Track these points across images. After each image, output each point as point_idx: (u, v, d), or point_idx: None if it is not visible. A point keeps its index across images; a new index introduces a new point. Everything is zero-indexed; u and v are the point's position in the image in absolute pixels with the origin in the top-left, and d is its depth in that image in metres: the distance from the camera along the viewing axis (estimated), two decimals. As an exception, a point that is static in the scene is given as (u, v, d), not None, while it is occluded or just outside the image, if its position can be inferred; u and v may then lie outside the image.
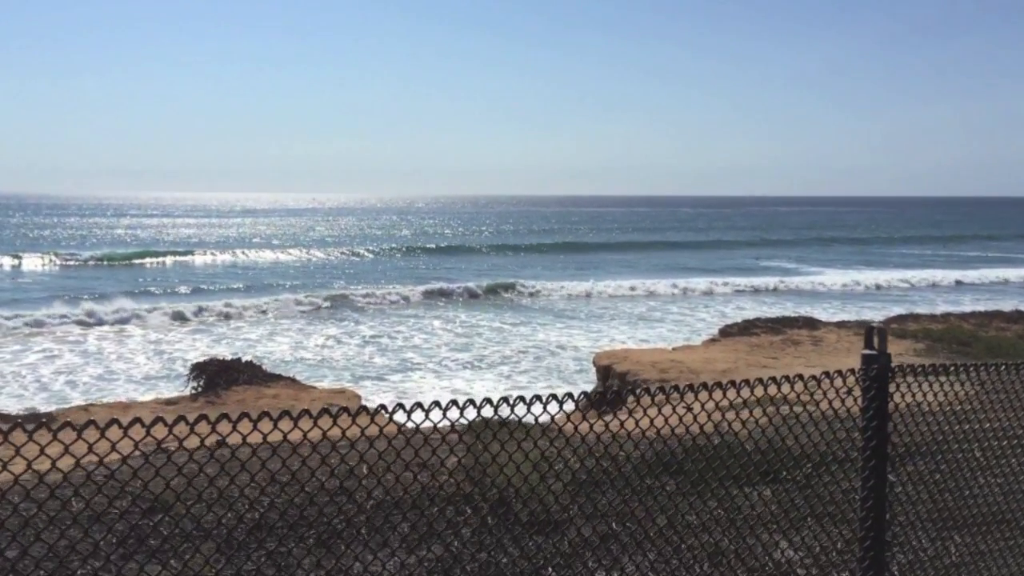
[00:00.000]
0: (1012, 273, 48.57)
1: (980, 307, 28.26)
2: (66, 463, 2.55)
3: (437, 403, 2.32)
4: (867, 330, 3.38)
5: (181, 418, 1.93)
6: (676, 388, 2.82)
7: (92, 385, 19.86)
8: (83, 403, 12.08)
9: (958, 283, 44.16)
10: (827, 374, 3.25)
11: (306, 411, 2.00)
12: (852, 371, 3.31)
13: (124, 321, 28.25)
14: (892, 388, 3.39)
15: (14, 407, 17.04)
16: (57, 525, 3.31)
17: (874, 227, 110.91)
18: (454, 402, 2.37)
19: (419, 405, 2.27)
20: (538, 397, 2.60)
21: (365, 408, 2.26)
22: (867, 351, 3.37)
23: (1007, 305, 27.98)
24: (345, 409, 2.10)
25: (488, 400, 2.46)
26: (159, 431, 1.95)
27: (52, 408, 14.23)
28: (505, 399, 2.50)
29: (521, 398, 2.55)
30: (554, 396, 2.67)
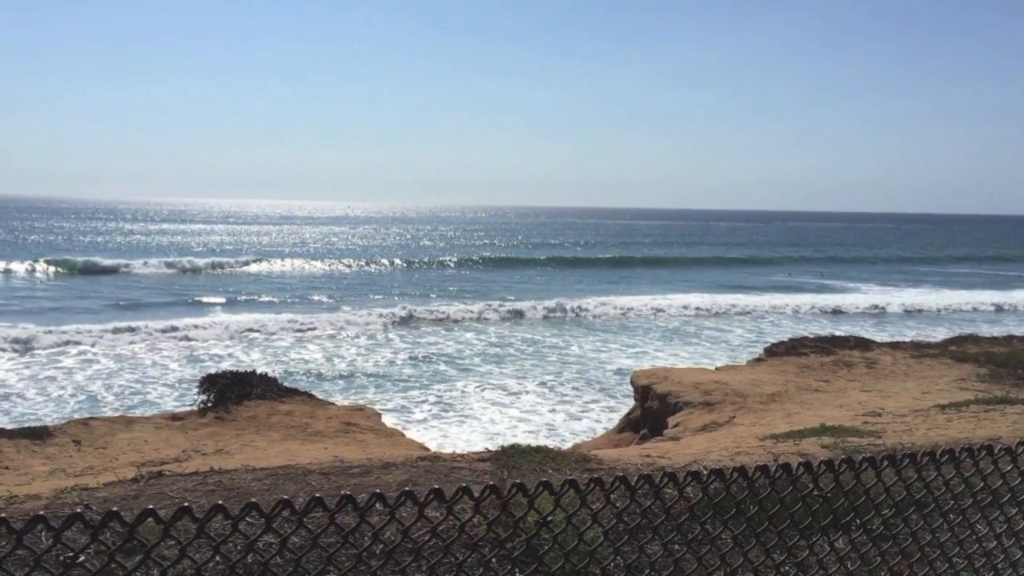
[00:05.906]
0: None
1: (1025, 330, 27.37)
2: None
3: (522, 485, 1.91)
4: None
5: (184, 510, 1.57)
6: (848, 461, 2.23)
7: (127, 388, 20.12)
8: (83, 418, 11.56)
9: (1000, 306, 42.79)
10: None
11: (379, 495, 1.67)
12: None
13: (165, 330, 28.23)
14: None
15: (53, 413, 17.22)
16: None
17: (906, 244, 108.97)
18: (520, 485, 1.96)
19: (492, 490, 1.89)
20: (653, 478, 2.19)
21: (441, 492, 1.90)
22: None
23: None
24: (409, 494, 1.76)
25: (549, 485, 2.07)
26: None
27: (85, 414, 14.08)
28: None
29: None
30: (649, 478, 2.19)
